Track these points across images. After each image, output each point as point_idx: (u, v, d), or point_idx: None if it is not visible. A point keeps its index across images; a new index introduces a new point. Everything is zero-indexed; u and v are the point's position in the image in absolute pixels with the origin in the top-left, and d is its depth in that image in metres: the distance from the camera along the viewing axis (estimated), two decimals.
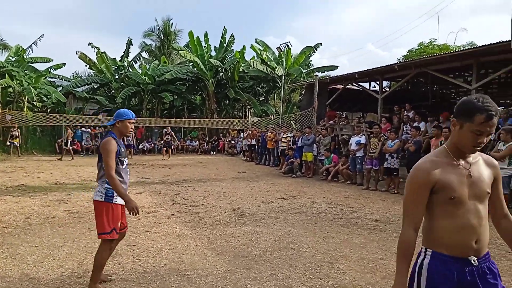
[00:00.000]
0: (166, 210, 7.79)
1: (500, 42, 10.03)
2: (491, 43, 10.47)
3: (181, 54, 27.52)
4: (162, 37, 32.58)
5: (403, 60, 22.01)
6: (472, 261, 1.98)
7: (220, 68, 27.70)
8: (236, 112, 31.80)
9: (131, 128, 4.00)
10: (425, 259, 2.07)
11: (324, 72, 26.79)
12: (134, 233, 5.90)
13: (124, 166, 3.90)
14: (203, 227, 6.40)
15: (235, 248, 5.35)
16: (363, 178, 11.30)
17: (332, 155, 12.87)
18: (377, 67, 14.54)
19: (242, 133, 22.28)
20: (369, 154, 10.96)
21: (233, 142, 24.32)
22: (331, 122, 16.22)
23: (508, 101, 16.62)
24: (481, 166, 2.06)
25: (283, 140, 15.61)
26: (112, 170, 3.69)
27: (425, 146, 10.19)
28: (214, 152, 24.76)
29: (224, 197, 9.14)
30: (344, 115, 19.13)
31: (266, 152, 17.69)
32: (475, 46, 13.89)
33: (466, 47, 20.83)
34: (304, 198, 9.20)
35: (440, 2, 64.24)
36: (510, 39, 9.34)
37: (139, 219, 6.76)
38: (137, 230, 6.09)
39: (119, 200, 3.81)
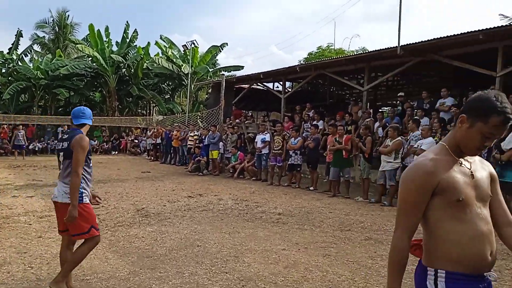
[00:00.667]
0: None
1: (388, 48, 11.08)
2: (380, 49, 11.52)
3: (78, 48, 25.77)
4: (57, 30, 29.93)
5: (304, 62, 23.19)
6: (491, 277, 1.69)
7: (122, 64, 26.46)
8: (139, 110, 30.71)
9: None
10: (438, 284, 1.69)
11: (230, 71, 27.10)
12: (25, 240, 5.40)
13: (91, 165, 3.79)
14: (104, 229, 6.06)
15: (139, 249, 5.18)
16: (268, 174, 11.70)
17: (238, 152, 13.11)
18: (280, 68, 15.15)
19: (147, 132, 21.53)
20: (273, 151, 11.37)
21: (136, 141, 23.34)
22: (237, 120, 16.48)
23: (394, 102, 18.42)
24: (478, 166, 1.84)
25: (190, 138, 15.46)
26: (81, 167, 3.54)
27: (322, 143, 10.90)
28: (116, 152, 23.56)
29: (127, 198, 8.78)
30: (250, 114, 19.58)
31: (171, 151, 17.36)
32: (366, 51, 15.18)
33: (359, 52, 22.64)
34: (211, 196, 9.23)
35: (336, 9, 68.94)
36: (397, 45, 10.38)
37: (30, 224, 6.19)
38: (29, 236, 5.58)
39: (87, 199, 3.67)
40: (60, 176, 3.71)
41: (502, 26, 9.12)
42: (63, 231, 3.75)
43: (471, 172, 1.76)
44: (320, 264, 4.59)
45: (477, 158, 1.86)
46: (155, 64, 26.64)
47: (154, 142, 19.08)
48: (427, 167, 1.72)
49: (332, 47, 31.29)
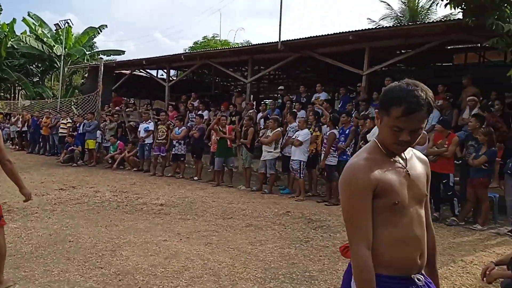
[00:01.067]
0: None
1: (270, 42, 11.53)
2: (263, 43, 11.93)
3: None
4: None
5: (189, 51, 22.91)
6: (417, 280, 1.62)
7: None
8: (2, 94, 27.19)
9: None
10: None
11: (110, 55, 25.55)
12: None
13: None
14: None
15: None
16: (151, 164, 11.33)
17: (118, 142, 12.40)
18: (164, 55, 14.73)
19: (11, 118, 19.06)
20: (157, 141, 11.03)
21: None
22: (117, 108, 15.59)
23: (276, 95, 19.27)
24: (416, 163, 1.73)
25: (62, 126, 14.13)
26: (7, 154, 3.75)
27: (207, 133, 10.92)
28: None
29: None
30: (132, 101, 18.68)
31: (40, 140, 15.68)
32: (250, 45, 15.60)
33: (244, 45, 23.17)
34: (86, 188, 8.60)
35: (221, 0, 69.50)
36: (278, 40, 10.85)
37: None
38: None
39: None
40: None
41: (368, 29, 10.14)
42: None
43: (407, 170, 1.65)
44: (201, 252, 4.61)
45: (415, 152, 1.76)
46: (21, 43, 23.85)
47: (19, 129, 17.01)
48: (363, 166, 1.60)
49: (218, 38, 31.52)
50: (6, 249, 3.71)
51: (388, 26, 11.86)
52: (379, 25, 19.23)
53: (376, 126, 7.38)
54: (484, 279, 3.03)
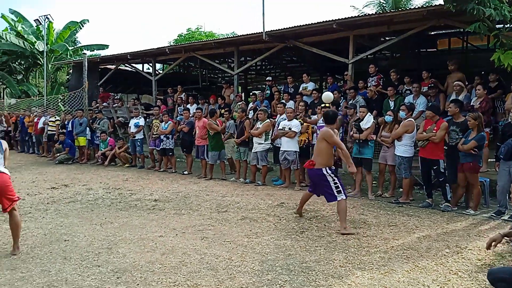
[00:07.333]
0: None
1: (254, 33, 11.48)
2: (247, 34, 11.87)
3: None
4: None
5: (174, 44, 22.69)
6: None
7: None
8: None
9: None
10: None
11: (93, 50, 25.16)
12: None
13: None
14: None
15: None
16: (144, 160, 11.28)
17: (109, 138, 12.31)
18: (148, 49, 14.55)
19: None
20: (153, 135, 10.96)
21: None
22: (104, 103, 15.45)
23: (263, 86, 19.24)
24: None
25: (50, 124, 13.96)
26: None
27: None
28: None
29: None
30: (118, 96, 18.49)
31: (27, 139, 15.49)
32: (235, 36, 15.49)
33: (229, 36, 23.04)
34: (79, 186, 8.57)
35: None
36: (262, 31, 10.82)
37: None
38: None
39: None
40: None
41: (352, 16, 10.15)
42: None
43: None
44: (198, 247, 4.66)
45: None
46: (2, 40, 23.27)
47: (5, 129, 16.75)
48: None
49: (202, 30, 31.26)
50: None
51: (371, 13, 11.80)
52: (362, 13, 19.25)
53: (368, 114, 7.52)
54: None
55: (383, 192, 7.49)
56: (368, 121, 7.46)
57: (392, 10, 9.56)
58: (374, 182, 7.67)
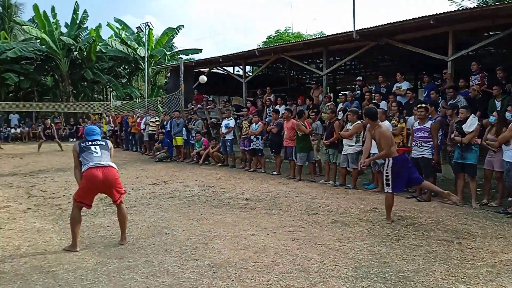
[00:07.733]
0: (21, 204, 7.04)
1: (344, 32, 11.22)
2: (337, 33, 11.63)
3: (25, 29, 24.28)
4: (1, 10, 28.11)
5: (263, 46, 23.11)
6: None
7: (73, 47, 25.28)
8: (96, 95, 29.60)
9: None
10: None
11: (188, 55, 26.56)
12: None
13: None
14: (66, 219, 5.84)
15: (105, 238, 5.12)
16: (235, 160, 11.68)
17: (203, 138, 12.97)
18: (239, 52, 14.99)
19: (107, 118, 20.70)
20: (243, 136, 11.30)
21: None
22: (199, 105, 16.27)
23: (353, 86, 18.77)
24: None
25: (151, 124, 15.12)
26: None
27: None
28: (74, 139, 22.65)
29: None
30: (211, 98, 19.35)
31: (131, 138, 16.94)
32: (324, 36, 15.30)
33: (317, 36, 22.83)
34: (176, 183, 9.13)
35: None
36: (353, 29, 10.54)
37: None
38: None
39: None
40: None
41: (451, 11, 9.44)
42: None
43: None
44: (289, 248, 4.68)
45: None
46: (108, 47, 25.68)
47: (112, 128, 18.50)
48: None
49: (290, 31, 31.37)
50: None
51: (473, 7, 10.82)
52: (462, 6, 17.79)
53: (472, 116, 6.92)
54: None
55: (489, 201, 6.86)
56: (472, 124, 6.83)
57: (497, 4, 8.64)
58: (479, 189, 7.05)
